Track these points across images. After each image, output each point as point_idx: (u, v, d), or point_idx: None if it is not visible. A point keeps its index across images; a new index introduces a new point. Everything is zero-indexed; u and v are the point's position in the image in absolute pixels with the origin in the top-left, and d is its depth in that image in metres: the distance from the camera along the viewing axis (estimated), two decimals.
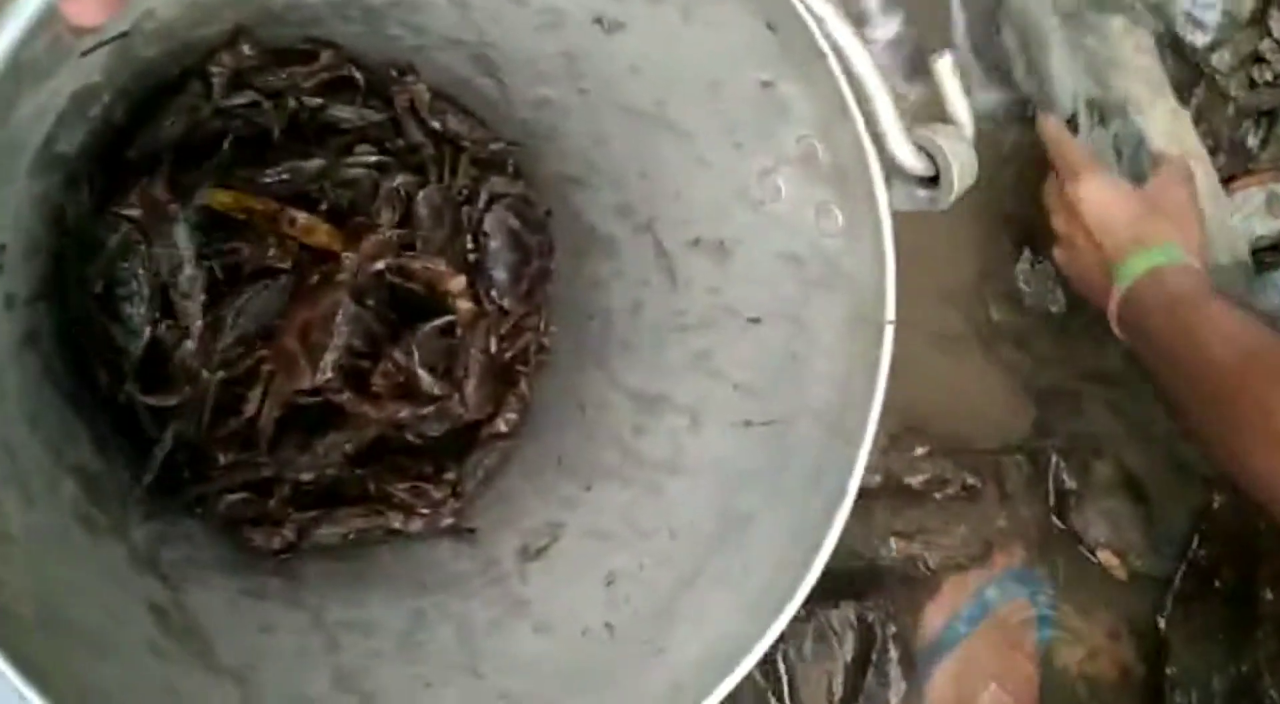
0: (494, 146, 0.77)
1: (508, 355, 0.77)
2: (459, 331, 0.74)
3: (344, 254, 0.70)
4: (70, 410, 0.63)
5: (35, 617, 0.49)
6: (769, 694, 0.92)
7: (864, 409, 0.59)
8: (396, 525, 0.71)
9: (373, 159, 0.74)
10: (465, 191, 0.76)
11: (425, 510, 0.72)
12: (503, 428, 0.76)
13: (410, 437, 0.75)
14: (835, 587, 0.93)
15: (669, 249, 0.73)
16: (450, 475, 0.74)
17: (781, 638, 0.77)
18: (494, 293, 0.76)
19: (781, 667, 0.92)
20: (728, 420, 0.68)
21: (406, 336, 0.72)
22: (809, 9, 0.55)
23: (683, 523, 0.67)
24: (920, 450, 0.97)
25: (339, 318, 0.68)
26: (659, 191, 0.72)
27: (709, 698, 0.55)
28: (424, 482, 0.73)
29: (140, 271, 0.66)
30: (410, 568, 0.72)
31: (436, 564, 0.72)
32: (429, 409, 0.73)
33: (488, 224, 0.76)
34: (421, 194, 0.74)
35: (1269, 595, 0.91)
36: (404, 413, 0.72)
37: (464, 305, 0.73)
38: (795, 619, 0.86)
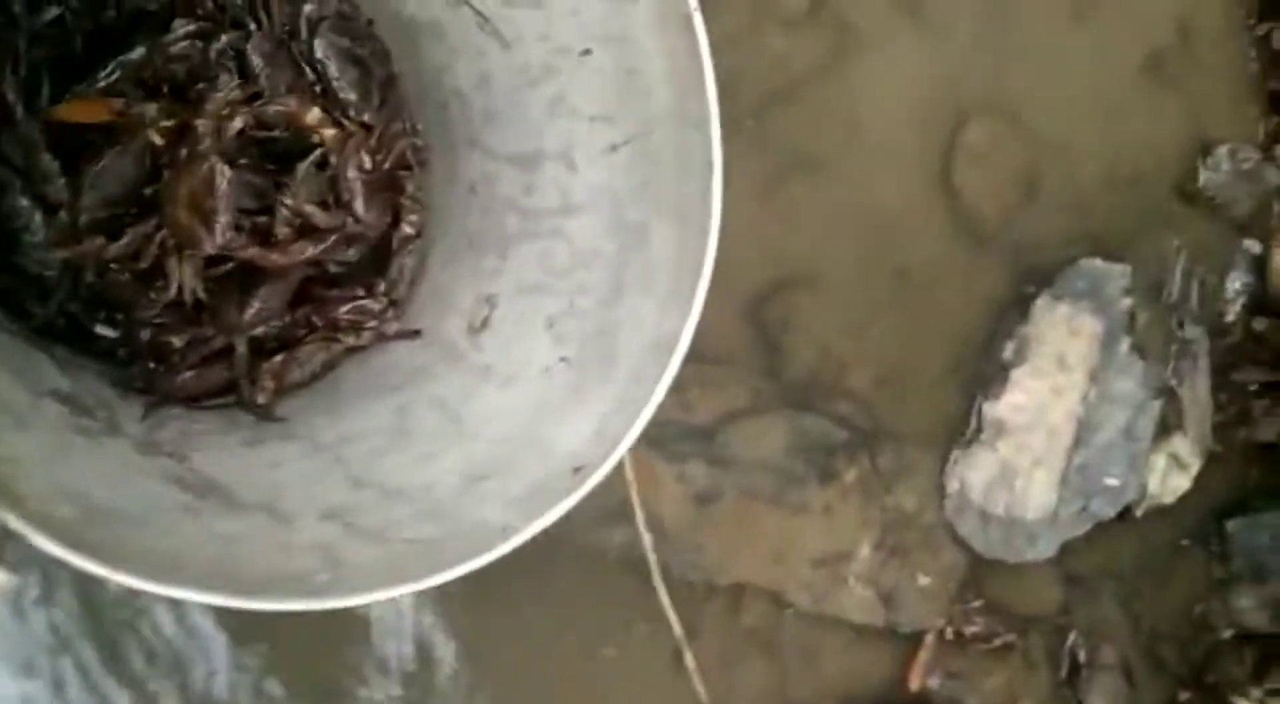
0: None
1: (386, 166, 0.79)
2: (332, 159, 0.76)
3: (197, 122, 0.72)
4: (25, 343, 0.68)
5: (78, 516, 0.55)
6: None
7: (700, 93, 0.64)
8: (351, 342, 0.77)
9: (191, 28, 0.74)
10: (287, 27, 0.77)
11: (372, 323, 0.78)
12: (409, 230, 0.81)
13: (333, 268, 0.80)
14: None
15: (488, 12, 0.74)
16: (381, 287, 0.79)
17: None
18: (351, 112, 0.77)
19: None
20: (596, 151, 0.72)
21: (287, 181, 0.75)
22: None
23: (590, 253, 0.73)
24: (976, 603, 1.13)
25: (218, 181, 0.70)
26: None
27: (665, 373, 0.65)
28: (360, 299, 0.78)
29: (23, 201, 0.70)
30: (376, 376, 0.78)
31: (398, 366, 0.78)
32: (330, 240, 0.76)
33: (319, 50, 0.77)
34: (249, 45, 0.75)
35: None
36: (309, 250, 0.75)
37: (327, 132, 0.75)
38: None
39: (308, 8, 0.78)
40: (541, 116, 0.76)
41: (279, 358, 0.76)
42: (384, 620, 0.98)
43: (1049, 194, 1.18)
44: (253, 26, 0.76)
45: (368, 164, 0.77)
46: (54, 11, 0.71)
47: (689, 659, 1.06)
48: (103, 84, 0.72)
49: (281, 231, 0.74)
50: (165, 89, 0.74)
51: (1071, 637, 1.17)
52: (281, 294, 0.77)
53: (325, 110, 0.76)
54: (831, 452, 1.13)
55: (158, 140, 0.72)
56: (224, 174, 0.71)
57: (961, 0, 1.15)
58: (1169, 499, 1.17)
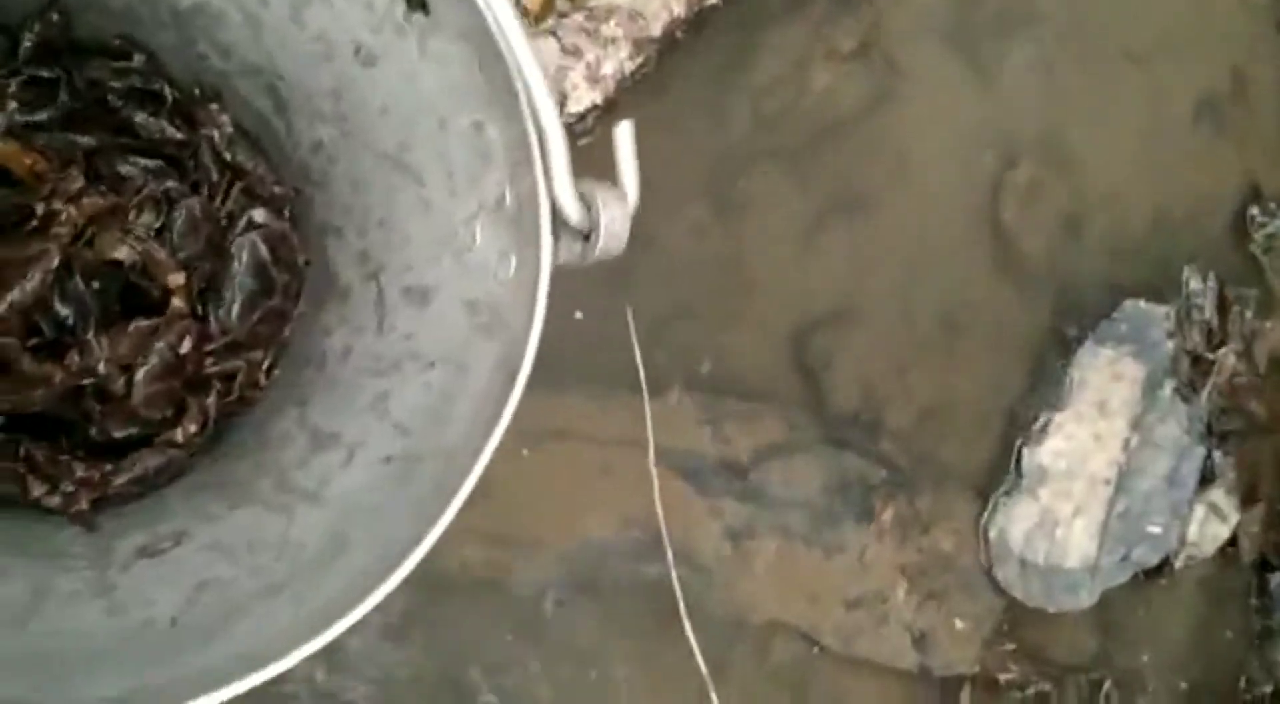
0: (277, 189, 0.77)
1: (210, 369, 0.75)
2: (159, 325, 0.72)
3: (71, 208, 0.69)
4: None
5: None
6: None
7: (474, 455, 0.61)
8: (36, 494, 0.70)
9: (151, 163, 0.74)
10: (229, 215, 0.76)
11: (69, 488, 0.70)
12: (179, 438, 0.74)
13: (93, 432, 0.73)
14: None
15: (387, 297, 0.74)
16: (109, 466, 0.72)
17: None
18: (220, 312, 0.75)
19: None
20: (375, 456, 0.70)
21: (117, 327, 0.71)
22: (509, 46, 0.57)
23: (293, 544, 0.68)
24: (1010, 647, 1.12)
25: (38, 266, 0.67)
26: (391, 239, 0.73)
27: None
28: (76, 460, 0.71)
29: None
30: (19, 534, 0.72)
31: (46, 537, 0.71)
32: (87, 380, 0.70)
33: (236, 246, 0.75)
34: (185, 201, 0.74)
35: None
36: (58, 377, 0.69)
37: (176, 302, 0.72)
38: None
39: (258, 212, 0.76)
40: (363, 406, 0.72)
41: None
42: None
43: (1095, 237, 1.16)
44: (203, 192, 0.75)
45: (185, 348, 0.72)
46: (54, 71, 0.72)
47: (714, 698, 1.05)
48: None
49: (71, 361, 0.69)
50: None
51: (1106, 686, 1.15)
52: (10, 401, 0.70)
53: (193, 288, 0.74)
54: (869, 491, 1.12)
55: (56, 206, 0.69)
56: (48, 262, 0.67)
57: (1013, 42, 1.15)
58: (1208, 549, 1.15)
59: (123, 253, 0.71)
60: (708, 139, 1.08)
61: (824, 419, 1.12)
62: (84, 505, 0.70)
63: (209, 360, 0.74)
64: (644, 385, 1.02)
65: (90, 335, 0.70)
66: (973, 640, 1.13)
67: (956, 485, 1.13)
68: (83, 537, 0.70)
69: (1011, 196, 1.15)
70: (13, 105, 0.71)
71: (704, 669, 1.04)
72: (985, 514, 1.12)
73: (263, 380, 0.77)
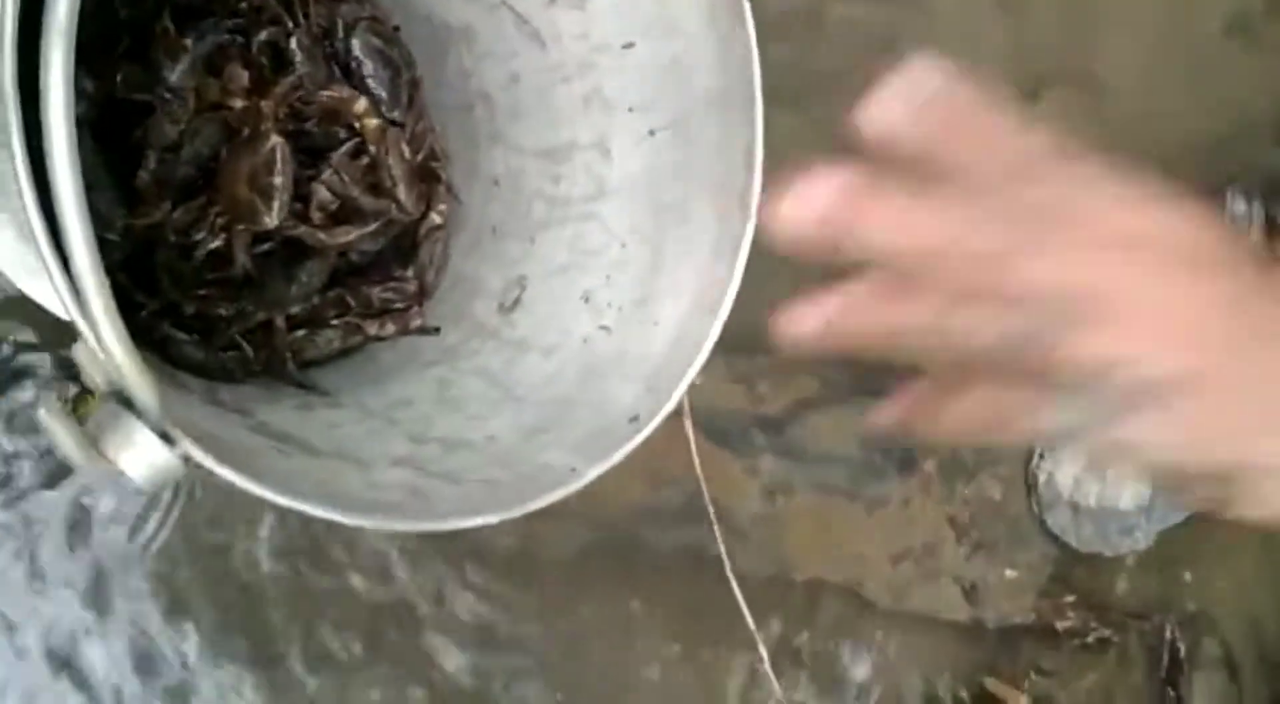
0: None
1: (419, 156, 0.80)
2: (372, 148, 0.77)
3: (261, 102, 0.74)
4: None
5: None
6: None
7: (745, 77, 0.66)
8: (373, 332, 0.78)
9: (230, 23, 0.75)
10: (323, 25, 0.79)
11: (400, 305, 0.78)
12: (438, 220, 0.82)
13: (355, 258, 0.81)
14: None
15: (527, 15, 0.76)
16: (411, 272, 0.80)
17: None
18: (383, 109, 0.79)
19: None
20: (632, 139, 0.73)
21: (325, 167, 0.76)
22: None
23: (626, 232, 0.74)
24: (1068, 597, 1.10)
25: (278, 159, 0.72)
26: None
27: (707, 338, 0.67)
28: (395, 280, 0.79)
29: None
30: (409, 354, 0.78)
31: (428, 345, 0.78)
32: (373, 225, 0.77)
33: (355, 49, 0.79)
34: (291, 40, 0.76)
35: None
36: (354, 233, 0.76)
37: (370, 122, 0.77)
38: None
39: (344, 8, 0.79)
40: (574, 111, 0.76)
41: (300, 333, 0.77)
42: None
43: (1129, 161, 1.12)
44: (290, 24, 0.77)
45: (408, 154, 0.78)
46: None
47: (765, 656, 1.03)
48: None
49: (317, 215, 0.75)
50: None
51: (1170, 630, 1.12)
52: (321, 274, 0.78)
53: (370, 102, 0.78)
54: (910, 441, 1.09)
55: (240, 104, 0.74)
56: (285, 152, 0.73)
57: None
58: None
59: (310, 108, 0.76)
60: None
61: (857, 370, 1.09)
62: (419, 319, 0.78)
63: (410, 150, 0.79)
64: None
65: (315, 186, 0.75)
66: (1027, 590, 1.09)
67: None
68: (447, 329, 0.78)
69: (1043, 125, 1.11)
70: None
71: (752, 626, 1.02)
72: (1033, 459, 1.09)
73: (438, 145, 0.83)
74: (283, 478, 0.56)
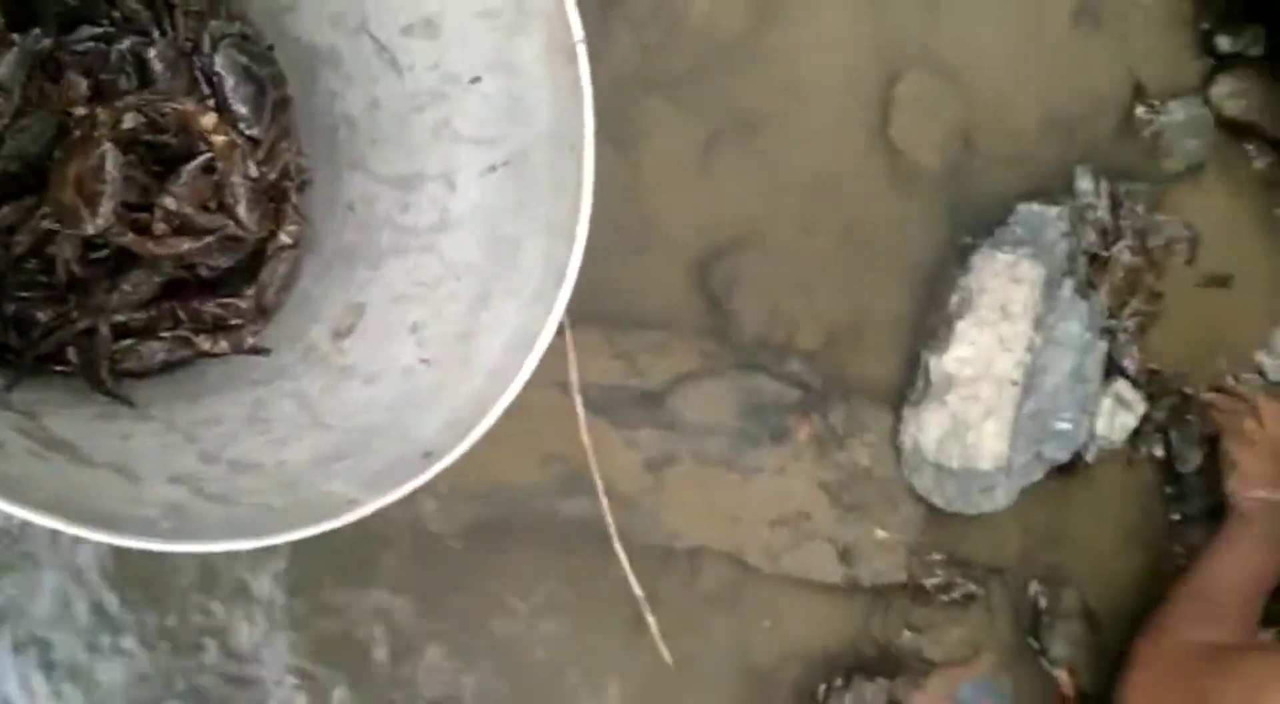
0: None
1: (271, 177, 0.82)
2: (219, 165, 0.78)
3: (97, 109, 0.74)
4: None
5: None
6: None
7: (578, 117, 0.69)
8: (206, 348, 0.80)
9: (98, 31, 0.76)
10: (191, 41, 0.80)
11: (235, 322, 0.80)
12: (287, 240, 0.83)
13: (204, 273, 0.82)
14: (863, 664, 1.11)
15: (385, 42, 0.79)
16: (250, 292, 0.81)
17: (824, 699, 1.03)
18: (241, 126, 0.80)
19: None
20: (476, 171, 0.76)
21: (171, 181, 0.77)
22: None
23: (461, 265, 0.77)
24: (936, 555, 1.14)
25: (107, 165, 0.73)
26: None
27: (519, 373, 0.68)
28: (229, 298, 0.81)
29: None
30: (235, 373, 0.80)
31: (258, 366, 0.80)
32: (209, 239, 0.79)
33: (219, 65, 0.80)
34: (153, 52, 0.78)
35: None
36: (185, 245, 0.77)
37: (219, 138, 0.78)
38: (835, 688, 1.07)
39: (212, 24, 0.81)
40: (426, 140, 0.79)
41: (126, 343, 0.78)
42: None
43: (986, 145, 1.17)
44: (156, 34, 0.78)
45: (254, 172, 0.79)
46: None
47: (651, 624, 1.06)
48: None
49: (159, 227, 0.76)
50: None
51: (1032, 585, 1.18)
52: (149, 285, 0.79)
53: (220, 118, 0.79)
54: (784, 411, 1.13)
55: (80, 112, 0.74)
56: (115, 160, 0.73)
57: None
58: (1118, 439, 1.16)
59: (132, 119, 0.76)
60: (592, 70, 1.08)
61: (734, 344, 1.12)
62: (251, 339, 0.79)
63: (265, 168, 0.80)
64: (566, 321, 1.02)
65: (162, 197, 0.76)
66: (897, 550, 1.14)
67: (868, 399, 1.14)
68: (282, 348, 0.79)
69: (902, 111, 1.15)
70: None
71: (639, 594, 1.06)
72: (898, 425, 1.14)
73: (302, 163, 0.84)
74: (14, 480, 0.57)
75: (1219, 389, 1.20)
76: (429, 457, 0.67)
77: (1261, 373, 1.24)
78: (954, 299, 1.12)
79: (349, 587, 0.99)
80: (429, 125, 0.78)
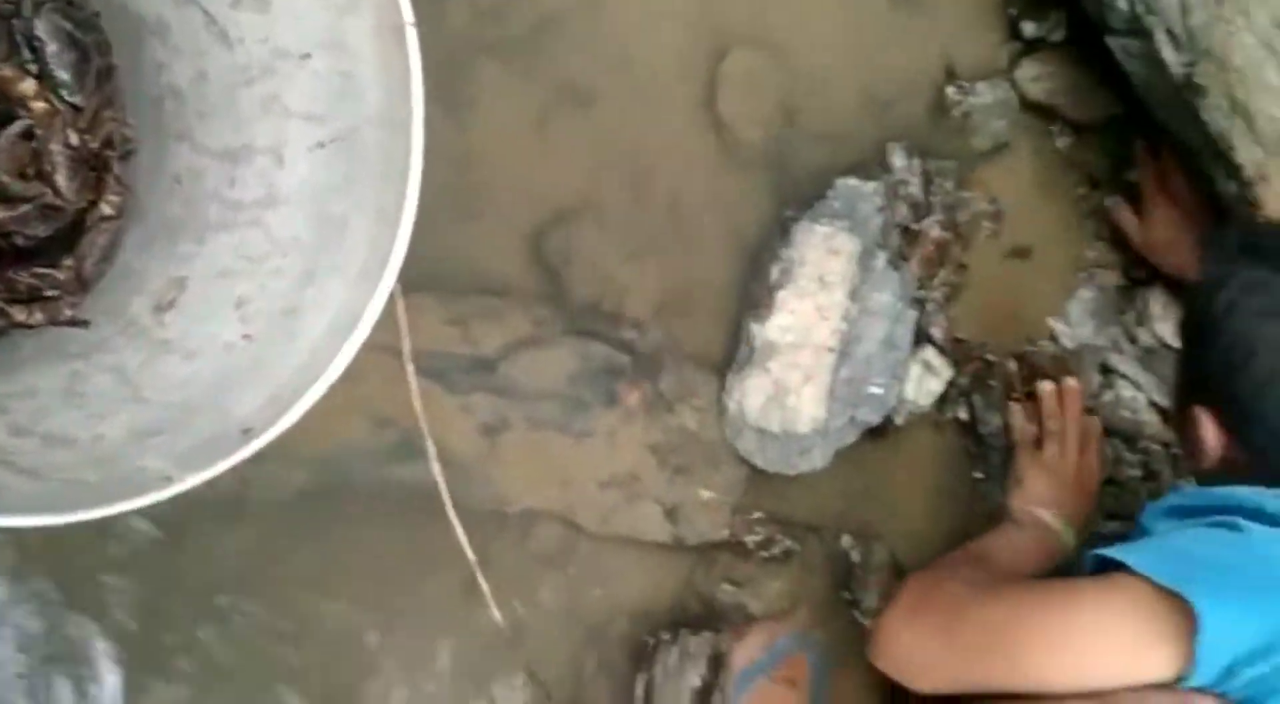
0: None
1: (93, 146, 0.80)
2: (38, 132, 0.77)
3: None
4: None
5: None
6: None
7: (406, 99, 0.70)
8: (20, 318, 0.78)
9: None
10: (11, 4, 0.77)
11: (52, 293, 0.78)
12: (108, 211, 0.82)
13: (21, 242, 0.80)
14: (688, 619, 1.14)
15: (215, 14, 0.78)
16: (69, 262, 0.80)
17: (652, 652, 1.05)
18: (63, 93, 0.78)
19: (641, 681, 1.11)
20: (304, 148, 0.77)
21: None
22: None
23: (288, 242, 0.77)
24: (757, 514, 1.17)
25: None
26: None
27: (342, 351, 0.69)
28: (45, 268, 0.79)
29: None
30: (52, 345, 0.79)
31: (76, 338, 0.79)
32: (26, 208, 0.77)
33: (40, 30, 0.78)
34: None
35: None
36: (1, 214, 0.76)
37: (38, 106, 0.77)
38: (663, 641, 1.09)
39: None
40: (254, 114, 0.79)
41: None
42: None
43: (808, 120, 1.21)
44: None
45: (74, 140, 0.78)
46: None
47: (483, 587, 1.09)
48: None
49: None
50: None
51: (845, 539, 1.23)
52: None
53: (39, 85, 0.77)
54: (615, 377, 1.16)
55: None
56: None
57: None
58: (925, 404, 1.22)
59: None
60: (426, 36, 1.08)
61: (567, 311, 1.15)
62: (68, 310, 0.77)
63: (87, 137, 0.79)
64: (397, 287, 1.02)
65: None
66: (721, 509, 1.19)
67: (696, 365, 1.17)
68: (100, 321, 0.77)
69: (728, 86, 1.19)
70: None
71: (471, 558, 1.08)
72: (723, 391, 1.18)
73: (127, 132, 0.83)
74: None
75: (1020, 357, 1.28)
76: (248, 433, 0.68)
77: (1054, 338, 1.33)
78: (776, 270, 1.17)
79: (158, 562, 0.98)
80: (258, 99, 0.78)
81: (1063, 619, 0.88)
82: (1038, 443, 1.19)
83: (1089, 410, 1.24)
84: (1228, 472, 0.96)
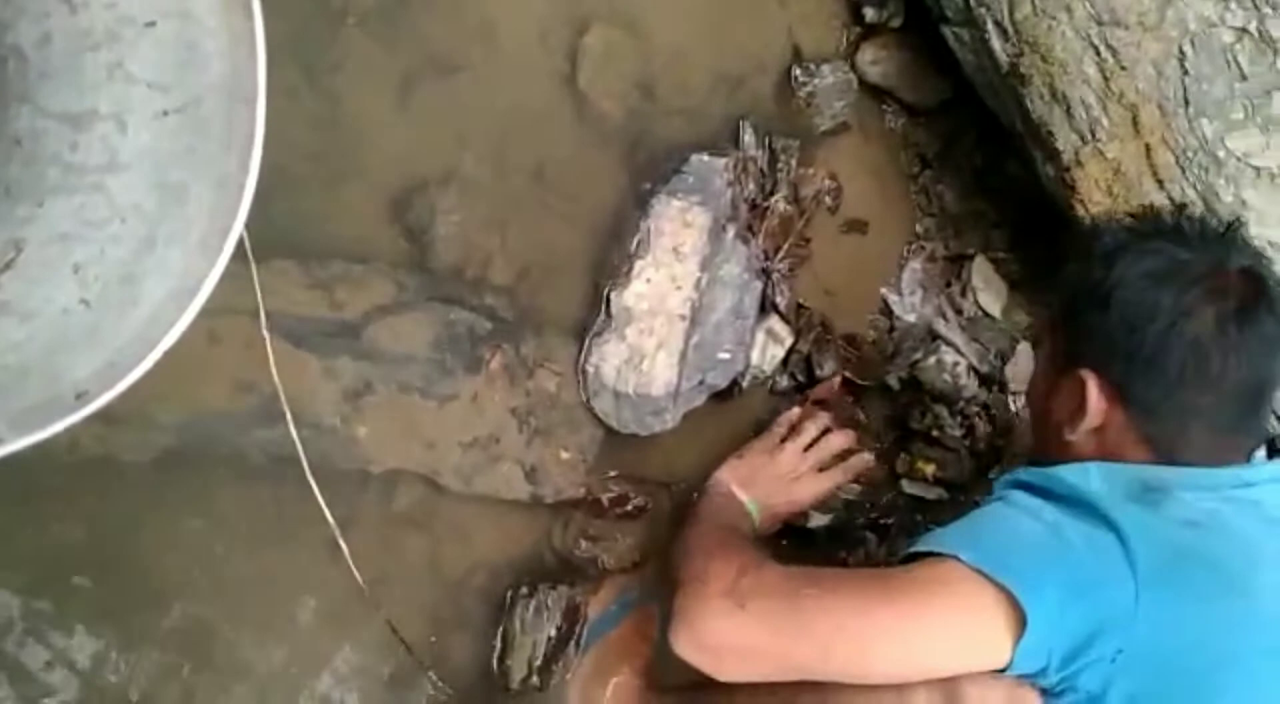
0: None
1: None
2: None
3: None
4: None
5: None
6: (492, 657, 1.16)
7: (251, 71, 0.69)
8: None
9: None
10: None
11: None
12: None
13: None
14: (545, 573, 1.16)
15: None
16: None
17: (510, 605, 1.10)
18: None
19: (499, 633, 1.14)
20: (148, 115, 0.76)
21: None
22: None
23: (129, 208, 0.76)
24: (612, 473, 1.22)
25: None
26: None
27: (180, 318, 0.69)
28: None
29: None
30: None
31: None
32: None
33: None
34: None
35: None
36: None
37: None
38: (521, 595, 1.11)
39: None
40: (99, 79, 0.77)
41: None
42: None
43: (664, 96, 1.23)
44: None
45: None
46: None
47: (344, 548, 1.10)
48: None
49: None
50: None
51: (695, 495, 1.27)
52: None
53: None
54: (477, 342, 1.17)
55: None
56: None
57: None
58: (769, 368, 1.27)
59: None
60: (286, 3, 1.07)
61: (431, 278, 1.16)
62: None
63: None
64: (249, 252, 1.02)
65: None
66: (578, 468, 1.21)
67: (556, 331, 1.19)
68: None
69: (588, 61, 1.21)
70: None
71: (331, 520, 1.09)
72: (582, 355, 1.21)
73: None
74: None
75: (850, 339, 1.35)
76: (82, 397, 0.67)
77: (886, 305, 1.42)
78: (634, 240, 1.20)
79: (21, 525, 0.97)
80: (102, 65, 0.77)
81: (910, 611, 0.90)
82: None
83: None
84: (1097, 444, 0.99)
